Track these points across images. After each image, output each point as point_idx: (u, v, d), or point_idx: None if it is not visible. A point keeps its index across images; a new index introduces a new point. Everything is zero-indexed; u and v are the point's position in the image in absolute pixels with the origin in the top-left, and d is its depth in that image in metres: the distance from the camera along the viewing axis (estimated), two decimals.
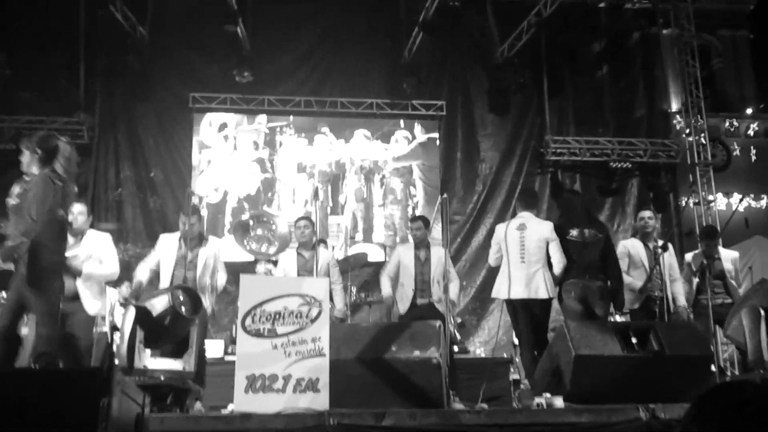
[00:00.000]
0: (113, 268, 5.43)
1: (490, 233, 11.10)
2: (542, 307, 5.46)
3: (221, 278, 6.00)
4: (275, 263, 8.50)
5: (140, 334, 4.33)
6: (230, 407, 5.00)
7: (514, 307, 5.56)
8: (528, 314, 5.46)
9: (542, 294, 5.39)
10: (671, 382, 4.35)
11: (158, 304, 4.54)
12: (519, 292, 5.43)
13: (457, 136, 11.33)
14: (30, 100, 9.94)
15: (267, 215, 10.66)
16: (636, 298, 6.13)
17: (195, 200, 6.80)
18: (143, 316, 4.37)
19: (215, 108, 10.54)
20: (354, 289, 8.67)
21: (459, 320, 8.80)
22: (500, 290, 5.61)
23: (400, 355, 4.28)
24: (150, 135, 10.44)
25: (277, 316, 4.23)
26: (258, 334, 4.20)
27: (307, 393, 4.09)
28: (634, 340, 4.46)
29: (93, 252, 5.25)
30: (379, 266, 9.84)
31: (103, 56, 9.93)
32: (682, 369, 4.46)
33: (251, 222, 10.53)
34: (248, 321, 4.22)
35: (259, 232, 10.61)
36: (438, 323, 4.42)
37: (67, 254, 4.92)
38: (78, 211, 5.39)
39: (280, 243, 10.70)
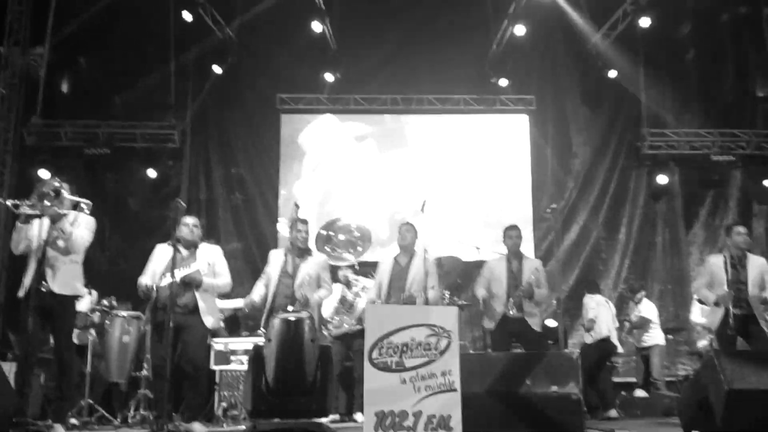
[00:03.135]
0: (227, 280, 5.45)
1: (583, 231, 10.92)
2: None
3: (322, 293, 5.77)
4: (352, 267, 8.25)
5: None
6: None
7: None
8: None
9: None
10: None
11: None
12: None
13: (548, 132, 10.93)
14: (122, 105, 10.01)
15: (341, 221, 10.49)
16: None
17: (296, 212, 6.67)
18: None
19: (302, 109, 10.43)
20: (447, 293, 8.40)
21: None
22: None
23: (536, 389, 4.01)
24: (239, 137, 10.45)
25: (405, 348, 4.02)
26: (386, 367, 3.99)
27: (438, 431, 3.88)
28: None
29: (209, 265, 5.27)
30: (471, 266, 9.53)
31: (193, 59, 9.91)
32: None
33: (330, 232, 10.42)
34: (375, 353, 4.01)
35: (342, 237, 10.47)
36: (576, 353, 4.14)
37: (188, 268, 5.05)
38: (192, 224, 5.34)
39: (365, 240, 10.56)
